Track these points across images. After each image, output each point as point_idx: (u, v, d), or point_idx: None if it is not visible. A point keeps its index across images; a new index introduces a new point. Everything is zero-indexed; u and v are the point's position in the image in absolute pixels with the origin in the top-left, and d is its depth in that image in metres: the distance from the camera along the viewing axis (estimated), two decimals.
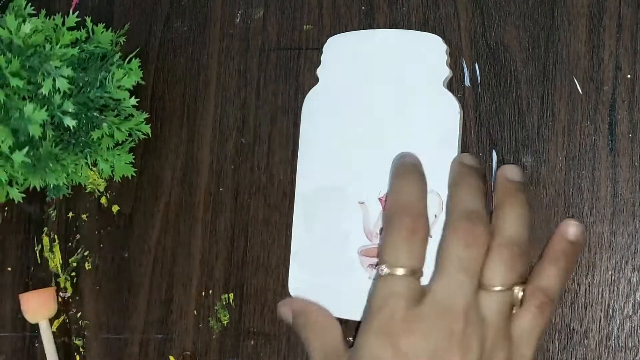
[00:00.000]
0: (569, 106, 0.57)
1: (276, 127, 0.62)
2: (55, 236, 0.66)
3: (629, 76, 0.56)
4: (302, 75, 0.62)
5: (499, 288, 0.51)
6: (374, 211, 0.58)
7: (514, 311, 0.52)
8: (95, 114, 0.60)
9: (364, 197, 0.58)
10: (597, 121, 0.56)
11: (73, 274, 0.66)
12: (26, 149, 0.56)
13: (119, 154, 0.61)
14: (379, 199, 0.58)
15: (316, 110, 0.60)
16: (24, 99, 0.57)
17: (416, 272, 0.52)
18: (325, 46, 0.60)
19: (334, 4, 0.62)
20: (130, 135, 0.62)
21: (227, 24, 0.64)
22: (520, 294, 0.52)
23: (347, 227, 0.58)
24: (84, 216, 0.65)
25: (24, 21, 0.57)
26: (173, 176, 0.64)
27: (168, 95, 0.65)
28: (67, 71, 0.56)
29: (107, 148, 0.61)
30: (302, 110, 0.61)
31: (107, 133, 0.60)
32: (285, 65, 0.62)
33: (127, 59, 0.61)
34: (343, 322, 0.59)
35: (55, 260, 0.66)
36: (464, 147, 0.58)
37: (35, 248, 0.67)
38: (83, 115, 0.59)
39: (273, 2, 0.63)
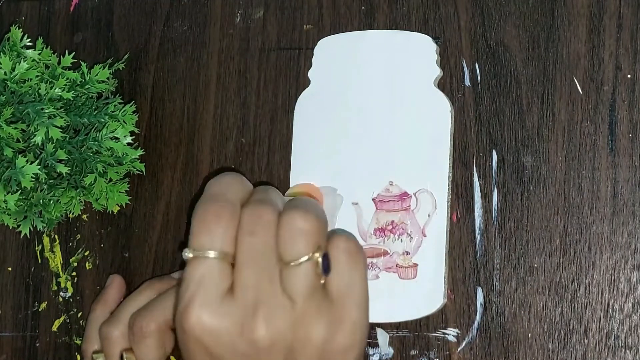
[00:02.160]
0: (569, 106, 0.57)
1: (276, 127, 0.62)
2: (56, 236, 0.66)
3: (629, 76, 0.56)
4: (302, 75, 0.62)
5: (297, 261, 0.49)
6: (367, 212, 0.58)
7: (322, 281, 0.50)
8: (89, 154, 0.59)
9: (357, 198, 0.59)
10: (597, 121, 0.56)
11: (74, 273, 0.66)
12: (17, 194, 0.56)
13: (111, 189, 0.61)
14: (373, 199, 0.58)
15: (308, 112, 0.60)
16: (19, 150, 0.57)
17: (225, 257, 0.49)
18: (316, 48, 0.61)
19: (334, 4, 0.62)
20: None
21: (227, 24, 0.64)
22: (321, 259, 0.49)
23: (341, 227, 0.58)
24: (84, 216, 0.65)
25: (18, 56, 0.57)
26: (173, 176, 0.64)
27: (168, 95, 0.65)
28: (60, 121, 0.56)
29: (101, 190, 0.61)
30: (295, 113, 0.61)
31: (101, 173, 0.60)
32: (285, 65, 0.62)
33: (122, 109, 0.60)
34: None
35: (55, 260, 0.66)
36: (464, 147, 0.58)
37: (36, 248, 0.67)
38: (76, 161, 0.59)
39: (273, 2, 0.63)
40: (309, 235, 0.49)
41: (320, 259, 0.49)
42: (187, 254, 0.49)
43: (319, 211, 0.51)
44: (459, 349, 0.58)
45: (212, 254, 0.49)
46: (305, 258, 0.49)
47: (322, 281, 0.50)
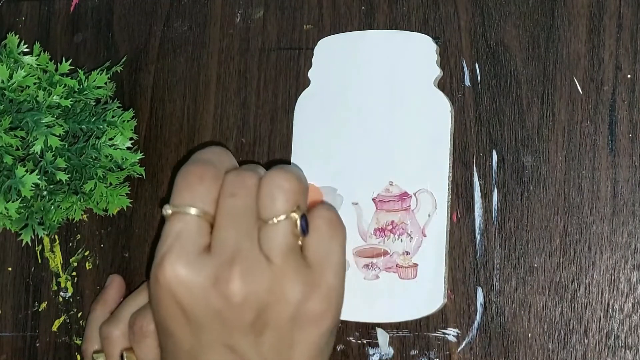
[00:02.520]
0: (569, 106, 0.57)
1: (276, 127, 0.62)
2: (56, 236, 0.66)
3: (629, 76, 0.56)
4: (302, 75, 0.62)
5: (275, 220, 0.49)
6: (367, 212, 0.58)
7: (300, 243, 0.50)
8: (88, 160, 0.59)
9: (357, 198, 0.59)
10: (597, 121, 0.56)
11: (74, 273, 0.66)
12: (18, 201, 0.56)
13: (112, 193, 0.61)
14: (373, 199, 0.58)
15: (308, 112, 0.60)
16: (18, 158, 0.57)
17: (204, 216, 0.50)
18: (316, 48, 0.61)
19: (334, 4, 0.62)
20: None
21: (227, 24, 0.64)
22: (299, 220, 0.50)
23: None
24: (84, 216, 0.65)
25: (15, 62, 0.57)
26: (173, 176, 0.64)
27: (168, 95, 0.65)
28: (59, 130, 0.56)
29: (101, 195, 0.61)
30: (295, 113, 0.61)
31: (101, 178, 0.60)
32: (285, 65, 0.62)
33: (120, 116, 0.60)
34: (340, 323, 0.59)
35: (56, 260, 0.66)
36: (464, 147, 0.58)
37: (36, 248, 0.67)
38: (75, 167, 0.59)
39: (273, 2, 0.63)
40: (288, 194, 0.50)
41: (298, 219, 0.49)
42: (167, 210, 0.50)
43: (299, 174, 0.51)
44: (459, 349, 0.58)
45: (192, 210, 0.49)
46: (283, 216, 0.49)
47: (300, 242, 0.50)
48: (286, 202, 0.50)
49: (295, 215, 0.50)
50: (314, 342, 0.50)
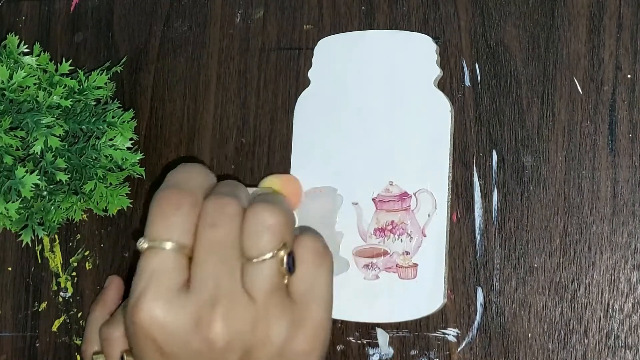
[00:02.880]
0: (569, 106, 0.57)
1: (276, 127, 0.62)
2: (56, 236, 0.66)
3: (629, 76, 0.56)
4: (302, 75, 0.62)
5: (260, 257, 0.46)
6: (367, 212, 0.58)
7: (285, 281, 0.48)
8: (88, 160, 0.59)
9: (357, 198, 0.59)
10: (597, 121, 0.56)
11: (74, 273, 0.66)
12: (18, 202, 0.56)
13: (112, 193, 0.61)
14: (373, 199, 0.58)
15: (308, 112, 0.60)
16: (20, 160, 0.57)
17: (182, 249, 0.47)
18: (316, 48, 0.61)
19: (334, 4, 0.62)
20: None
21: (227, 24, 0.64)
22: (286, 257, 0.47)
23: (341, 227, 0.58)
24: (84, 216, 0.65)
25: (15, 63, 0.57)
26: None
27: (168, 95, 0.65)
28: (59, 130, 0.56)
29: (101, 195, 0.61)
30: (295, 113, 0.61)
31: (101, 178, 0.60)
32: (285, 65, 0.62)
33: (120, 117, 0.60)
34: (339, 322, 0.59)
35: (55, 260, 0.66)
36: (464, 147, 0.58)
37: (36, 248, 0.67)
38: (75, 167, 0.59)
39: (273, 2, 0.63)
40: (274, 231, 0.47)
41: (285, 257, 0.47)
42: (142, 244, 0.47)
43: (285, 207, 0.49)
44: (459, 349, 0.58)
45: (168, 245, 0.47)
46: (269, 255, 0.47)
47: (286, 280, 0.48)
48: (272, 240, 0.47)
49: (282, 254, 0.47)
50: None
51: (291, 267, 0.48)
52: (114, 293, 0.63)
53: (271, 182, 0.57)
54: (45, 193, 0.59)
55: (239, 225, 0.47)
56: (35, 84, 0.57)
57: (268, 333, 0.47)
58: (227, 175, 0.63)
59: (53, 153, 0.57)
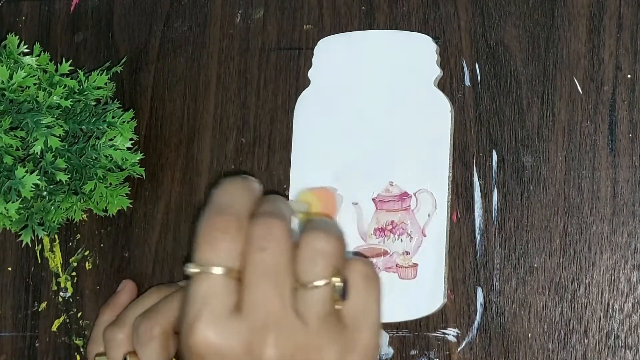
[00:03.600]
0: (569, 106, 0.57)
1: (276, 127, 0.62)
2: (56, 236, 0.66)
3: (629, 76, 0.56)
4: (302, 75, 0.62)
5: (314, 284, 0.46)
6: (367, 212, 0.58)
7: (337, 306, 0.48)
8: (88, 160, 0.59)
9: (357, 198, 0.59)
10: (597, 121, 0.56)
11: (73, 273, 0.66)
12: (18, 202, 0.56)
13: (112, 194, 0.61)
14: (373, 199, 0.58)
15: (308, 112, 0.60)
16: (20, 160, 0.57)
17: (231, 273, 0.47)
18: (316, 48, 0.61)
19: (334, 4, 0.62)
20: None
21: (227, 24, 0.64)
22: (340, 284, 0.47)
23: (341, 227, 0.58)
24: (84, 216, 0.65)
25: (15, 63, 0.57)
26: (173, 176, 0.64)
27: (168, 95, 0.65)
28: (59, 130, 0.56)
29: (101, 195, 0.61)
30: (295, 113, 0.61)
31: (101, 178, 0.60)
32: (285, 65, 0.62)
33: (120, 117, 0.60)
34: None
35: (55, 260, 0.66)
36: (464, 147, 0.58)
37: (36, 248, 0.67)
38: (75, 167, 0.59)
39: (273, 2, 0.63)
40: (329, 259, 0.47)
41: (339, 284, 0.47)
42: (192, 269, 0.47)
43: (339, 234, 0.49)
44: (459, 349, 0.58)
45: (217, 270, 0.47)
46: (323, 282, 0.47)
47: (337, 306, 0.48)
48: (327, 267, 0.47)
49: (336, 281, 0.47)
50: None
51: (344, 295, 0.48)
52: (125, 297, 0.63)
53: (306, 196, 0.57)
54: (45, 193, 0.59)
55: (287, 246, 0.47)
56: (35, 84, 0.57)
57: (319, 358, 0.47)
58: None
59: (53, 153, 0.57)
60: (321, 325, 0.47)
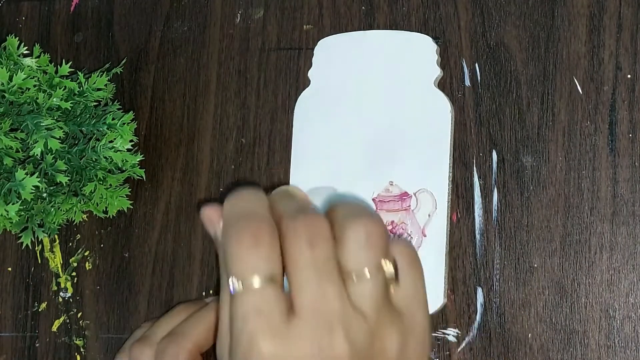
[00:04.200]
0: (569, 106, 0.57)
1: (276, 127, 0.62)
2: (56, 236, 0.66)
3: (629, 76, 0.56)
4: (302, 75, 0.62)
5: (367, 273, 0.45)
6: None
7: (392, 289, 0.47)
8: (88, 162, 0.59)
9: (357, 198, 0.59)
10: (597, 121, 0.56)
11: (73, 274, 0.66)
12: (18, 204, 0.56)
13: (112, 195, 0.61)
14: (373, 199, 0.58)
15: (308, 112, 0.60)
16: (20, 162, 0.57)
17: (275, 279, 0.45)
18: (316, 48, 0.61)
19: (334, 4, 0.62)
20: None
21: (227, 24, 0.64)
22: (392, 270, 0.46)
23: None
24: (84, 216, 0.65)
25: (15, 64, 0.57)
26: (173, 176, 0.64)
27: (168, 95, 0.65)
28: (59, 132, 0.56)
29: (101, 196, 0.61)
30: (295, 113, 0.61)
31: (101, 180, 0.60)
32: (285, 65, 0.62)
33: (120, 119, 0.60)
34: None
35: (55, 260, 0.66)
36: (464, 147, 0.58)
37: (36, 248, 0.67)
38: (75, 169, 0.59)
39: (273, 2, 0.63)
40: (377, 244, 0.46)
41: (390, 267, 0.46)
42: (235, 285, 0.45)
43: (375, 213, 0.48)
44: (459, 349, 0.58)
45: (260, 280, 0.44)
46: (375, 270, 0.45)
47: (392, 290, 0.47)
48: (377, 254, 0.46)
49: (387, 264, 0.46)
50: None
51: (397, 277, 0.47)
52: (175, 321, 0.60)
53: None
54: (45, 195, 0.59)
55: (332, 240, 0.46)
56: (35, 85, 0.57)
57: (383, 345, 0.46)
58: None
59: (53, 155, 0.57)
60: (379, 314, 0.46)
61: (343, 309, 0.45)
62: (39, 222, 0.60)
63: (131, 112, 0.62)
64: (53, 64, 0.59)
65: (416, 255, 0.48)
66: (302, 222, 0.46)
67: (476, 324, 0.58)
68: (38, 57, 0.58)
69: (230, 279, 0.45)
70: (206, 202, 0.52)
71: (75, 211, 0.61)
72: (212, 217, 0.49)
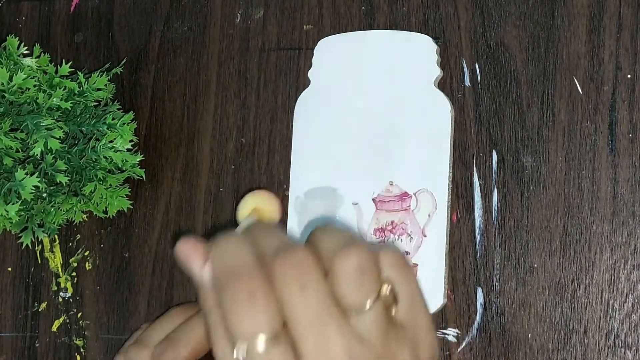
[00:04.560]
0: (569, 106, 0.57)
1: (276, 127, 0.62)
2: (56, 236, 0.66)
3: (629, 76, 0.56)
4: (302, 75, 0.62)
5: (367, 305, 0.44)
6: (367, 212, 0.58)
7: (393, 311, 0.46)
8: (88, 162, 0.59)
9: (357, 198, 0.59)
10: (597, 121, 0.56)
11: (73, 274, 0.66)
12: (18, 204, 0.56)
13: (112, 195, 0.61)
14: (373, 199, 0.58)
15: (308, 112, 0.60)
16: (20, 162, 0.57)
17: (278, 334, 0.43)
18: (316, 48, 0.61)
19: (334, 4, 0.62)
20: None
21: (227, 24, 0.64)
22: (388, 291, 0.44)
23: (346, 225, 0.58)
24: (84, 216, 0.65)
25: (15, 64, 0.57)
26: (173, 176, 0.64)
27: (168, 95, 0.65)
28: (59, 132, 0.56)
29: (101, 197, 0.61)
30: (295, 113, 0.61)
31: (101, 180, 0.60)
32: (285, 65, 0.62)
33: (120, 119, 0.60)
34: None
35: (55, 261, 0.66)
36: (464, 147, 0.58)
37: (36, 248, 0.67)
38: (75, 169, 0.59)
39: (273, 2, 0.63)
40: (369, 271, 0.44)
41: (388, 291, 0.45)
42: (239, 350, 0.43)
43: (358, 236, 0.46)
44: (459, 349, 0.58)
45: (264, 338, 0.43)
46: (373, 297, 0.44)
47: (393, 310, 0.46)
48: (372, 282, 0.44)
49: (385, 289, 0.44)
50: None
51: (397, 299, 0.45)
52: (171, 325, 0.59)
53: (252, 201, 0.56)
54: (45, 195, 0.59)
55: (322, 274, 0.44)
56: (35, 85, 0.57)
57: None
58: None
59: (53, 155, 0.57)
60: (386, 338, 0.44)
61: (349, 346, 0.43)
62: (39, 222, 0.60)
63: (131, 112, 0.62)
64: (53, 64, 0.59)
65: (404, 259, 0.46)
66: (289, 262, 0.43)
67: (476, 324, 0.58)
68: (38, 57, 0.58)
69: (235, 348, 0.43)
70: (179, 236, 0.51)
71: (75, 211, 0.61)
72: (191, 256, 0.47)
